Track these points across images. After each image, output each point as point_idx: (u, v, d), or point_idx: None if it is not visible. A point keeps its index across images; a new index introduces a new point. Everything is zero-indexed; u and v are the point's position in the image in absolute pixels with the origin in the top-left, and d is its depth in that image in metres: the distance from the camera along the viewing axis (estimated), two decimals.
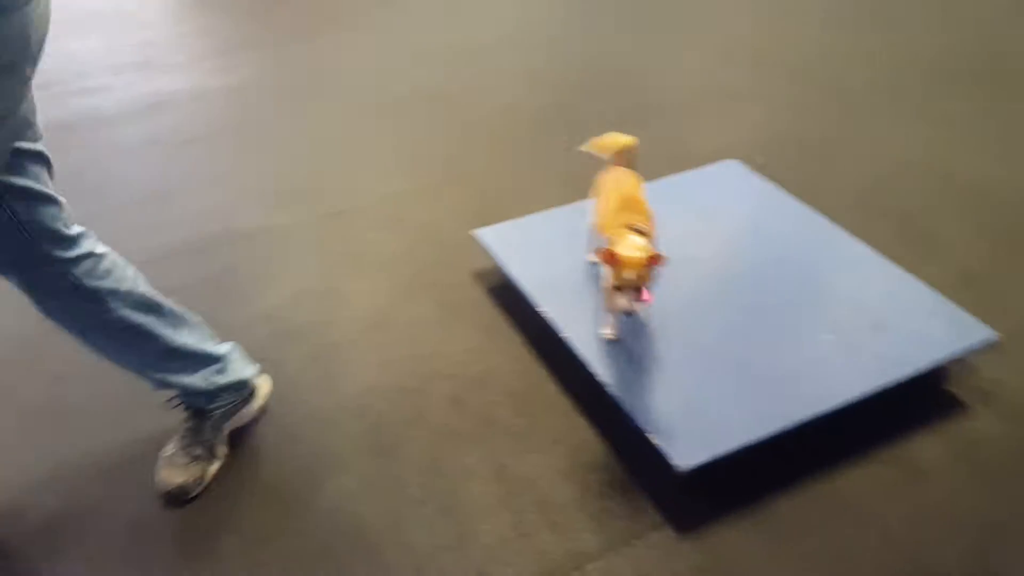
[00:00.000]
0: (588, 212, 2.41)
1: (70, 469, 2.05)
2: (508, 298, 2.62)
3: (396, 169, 3.35)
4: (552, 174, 3.34)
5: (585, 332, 2.26)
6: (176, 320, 1.90)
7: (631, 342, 2.22)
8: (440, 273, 2.76)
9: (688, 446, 1.92)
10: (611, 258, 1.91)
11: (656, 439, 1.94)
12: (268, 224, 3.00)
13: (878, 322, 2.32)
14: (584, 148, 2.34)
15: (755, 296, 2.44)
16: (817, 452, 2.11)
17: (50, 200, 1.60)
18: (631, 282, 1.89)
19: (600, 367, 2.15)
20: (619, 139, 2.37)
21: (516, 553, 1.84)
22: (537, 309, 2.37)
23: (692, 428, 1.97)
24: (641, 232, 1.99)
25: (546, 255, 2.59)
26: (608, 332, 2.16)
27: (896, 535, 1.92)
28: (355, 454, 2.08)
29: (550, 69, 4.23)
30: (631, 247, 1.93)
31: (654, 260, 1.90)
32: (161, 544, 1.87)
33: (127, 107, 3.75)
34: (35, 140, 1.55)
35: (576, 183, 3.28)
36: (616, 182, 2.27)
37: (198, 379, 1.94)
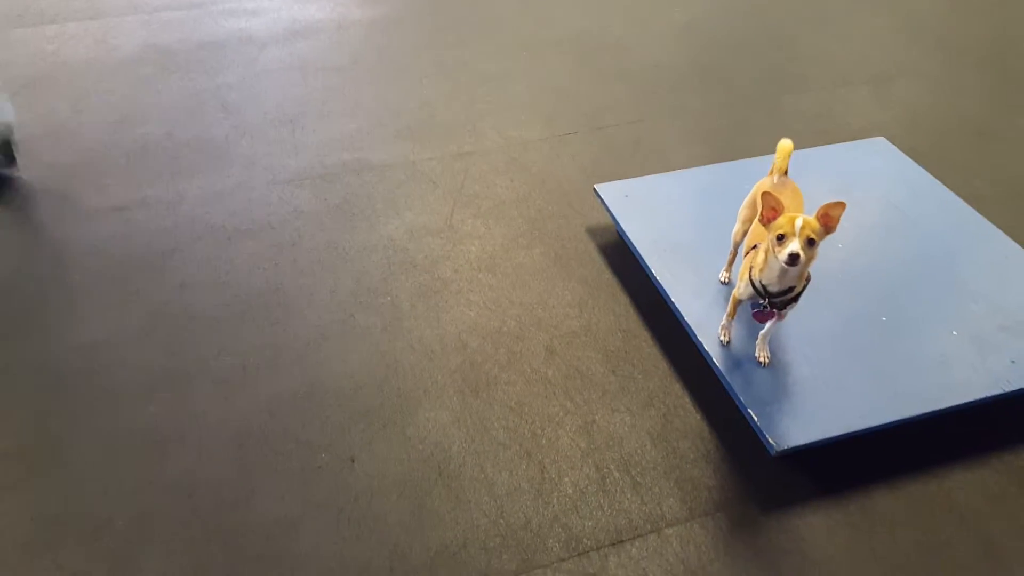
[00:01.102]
0: (737, 220, 2.18)
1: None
2: (619, 256, 2.59)
3: (529, 115, 3.34)
4: (687, 134, 3.22)
5: (693, 299, 2.20)
6: None
7: (746, 317, 2.14)
8: (556, 223, 2.75)
9: (787, 427, 1.85)
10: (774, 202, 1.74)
11: (755, 416, 1.88)
12: (395, 157, 3.09)
13: (1016, 325, 2.12)
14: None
15: (885, 282, 2.28)
16: (924, 450, 1.99)
17: None
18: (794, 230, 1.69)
19: (705, 337, 2.09)
20: (787, 146, 2.07)
21: (595, 507, 1.87)
22: (648, 272, 2.33)
23: (794, 410, 1.90)
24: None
25: (665, 217, 2.52)
26: (724, 336, 2.08)
27: (997, 543, 1.79)
28: (449, 389, 2.16)
29: (706, 25, 4.03)
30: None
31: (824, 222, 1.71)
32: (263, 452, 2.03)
33: (275, 31, 3.93)
34: None
35: (711, 144, 3.17)
36: (785, 197, 1.89)
37: None
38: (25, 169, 2.98)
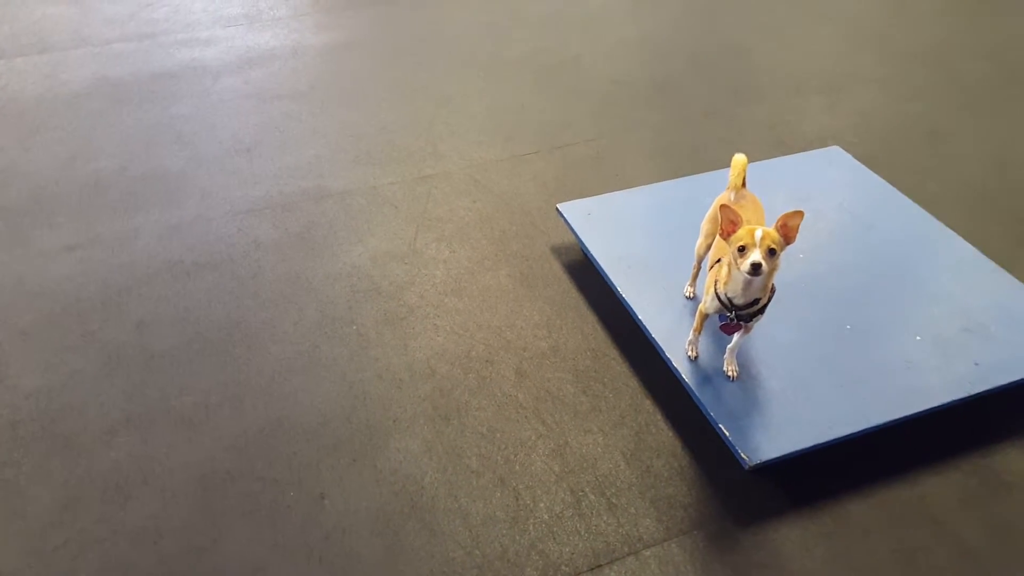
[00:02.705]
0: (700, 235, 2.18)
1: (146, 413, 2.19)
2: (584, 274, 2.59)
3: (489, 136, 3.34)
4: (648, 150, 3.25)
5: (660, 316, 2.21)
6: None
7: (712, 332, 2.15)
8: (520, 244, 2.75)
9: (758, 441, 1.86)
10: (733, 216, 1.75)
11: (726, 431, 1.89)
12: (356, 183, 3.06)
13: (975, 327, 2.17)
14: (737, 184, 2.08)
15: (847, 290, 2.32)
16: (894, 455, 2.01)
17: None
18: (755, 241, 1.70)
19: (673, 353, 2.10)
20: (741, 161, 2.09)
21: (572, 532, 1.85)
22: (614, 289, 2.33)
23: (765, 423, 1.91)
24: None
25: (627, 233, 2.53)
26: (691, 351, 2.09)
27: (972, 545, 1.82)
28: (419, 418, 2.13)
29: (660, 40, 4.09)
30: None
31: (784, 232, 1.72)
32: (227, 496, 1.97)
33: (229, 60, 3.88)
34: None
35: (671, 158, 3.21)
36: (743, 210, 1.95)
37: None
38: None
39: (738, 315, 1.89)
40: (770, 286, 1.87)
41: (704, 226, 2.18)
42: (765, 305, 1.89)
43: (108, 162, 3.16)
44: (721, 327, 1.97)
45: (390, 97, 3.62)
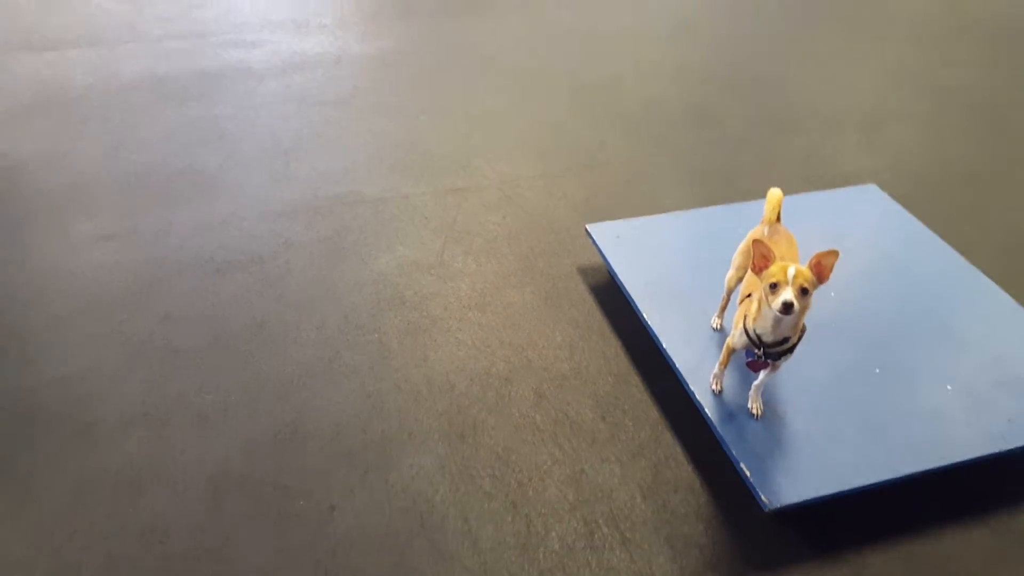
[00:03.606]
0: (731, 267, 2.15)
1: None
2: (610, 298, 2.55)
3: (523, 152, 3.34)
4: (681, 175, 3.21)
5: (685, 346, 2.17)
6: None
7: (738, 365, 2.10)
8: (547, 262, 2.73)
9: (780, 484, 1.80)
10: (766, 251, 1.71)
11: (747, 471, 1.83)
12: (388, 192, 3.07)
13: (1012, 380, 2.08)
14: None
15: (878, 333, 2.25)
16: (920, 508, 1.94)
17: None
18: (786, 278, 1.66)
19: (697, 386, 2.05)
20: (776, 196, 2.06)
21: (583, 565, 1.81)
22: (640, 315, 2.29)
23: (788, 465, 1.85)
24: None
25: (656, 259, 2.50)
26: (716, 385, 2.05)
27: None
28: (435, 433, 2.10)
29: (701, 65, 4.06)
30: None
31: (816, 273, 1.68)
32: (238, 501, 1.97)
33: (273, 63, 3.94)
34: None
35: (704, 185, 3.17)
36: (776, 245, 1.93)
37: None
38: (16, 194, 2.95)
39: (767, 353, 1.84)
40: (800, 325, 1.82)
41: (736, 258, 2.14)
42: (795, 344, 1.84)
43: (149, 156, 3.22)
44: (748, 363, 1.92)
45: (429, 109, 3.63)
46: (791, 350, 1.84)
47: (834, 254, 1.69)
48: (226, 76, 3.81)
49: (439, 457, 2.04)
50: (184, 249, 2.73)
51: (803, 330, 1.84)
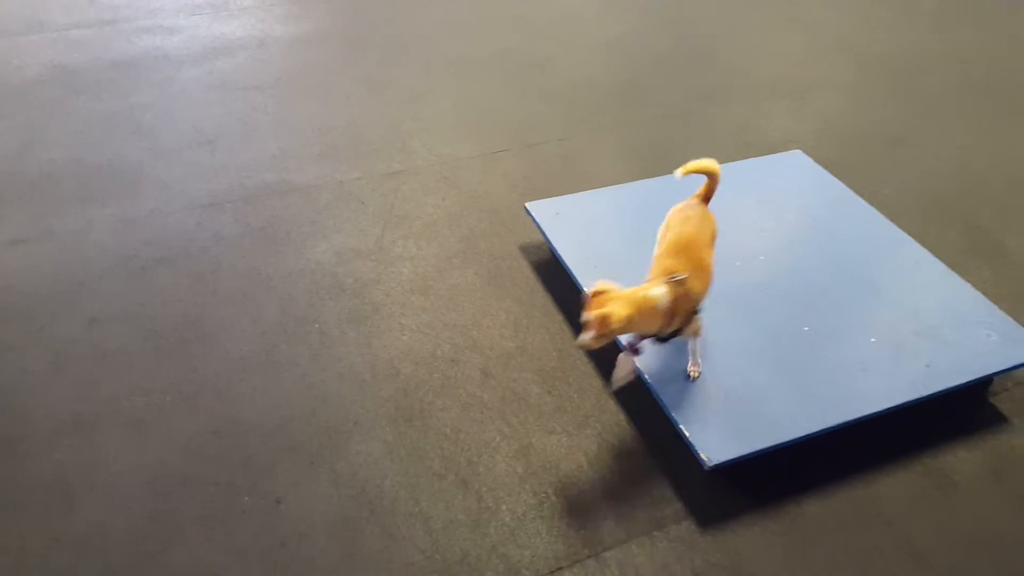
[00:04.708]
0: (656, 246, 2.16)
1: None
2: (552, 274, 2.57)
3: (458, 132, 3.31)
4: (618, 150, 3.24)
5: None
6: None
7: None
8: (488, 243, 2.72)
9: (719, 441, 1.87)
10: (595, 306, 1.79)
11: (687, 431, 1.89)
12: (321, 178, 3.00)
13: (928, 330, 2.20)
14: (681, 172, 2.12)
15: (806, 292, 2.34)
16: (850, 456, 2.04)
17: None
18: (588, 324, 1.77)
19: (639, 356, 2.09)
20: (712, 165, 2.12)
21: (534, 535, 1.84)
22: (581, 289, 2.32)
23: (725, 423, 1.92)
24: (679, 282, 1.85)
25: (595, 234, 2.52)
26: (633, 354, 2.04)
27: (921, 546, 1.85)
28: (381, 419, 2.09)
29: (634, 41, 4.08)
30: (614, 300, 1.79)
31: (598, 324, 1.74)
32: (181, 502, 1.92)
33: (193, 49, 3.79)
34: None
35: (640, 158, 3.21)
36: (683, 222, 2.06)
37: None
38: None
39: (657, 338, 1.94)
40: (677, 321, 1.88)
41: (660, 233, 2.16)
42: (681, 328, 1.91)
43: (62, 152, 3.06)
44: (625, 346, 1.99)
45: (358, 91, 3.56)
46: (677, 333, 1.92)
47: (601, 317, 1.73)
48: (142, 64, 3.64)
49: (387, 443, 2.03)
50: (106, 248, 2.62)
51: (693, 313, 1.91)
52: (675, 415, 1.93)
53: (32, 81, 3.48)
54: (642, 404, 2.13)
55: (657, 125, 3.42)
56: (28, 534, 1.79)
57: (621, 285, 1.87)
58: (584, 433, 2.08)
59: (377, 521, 1.84)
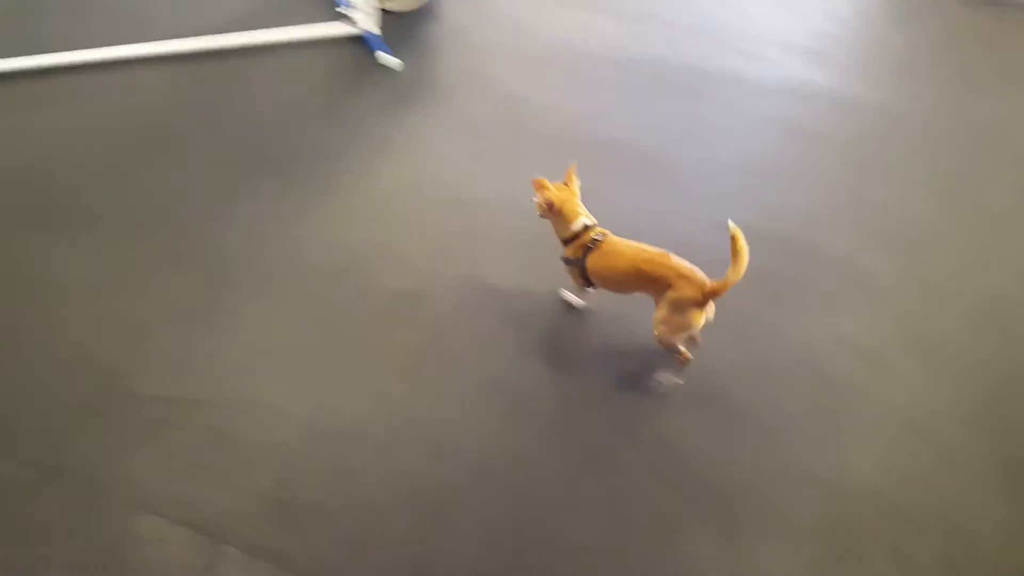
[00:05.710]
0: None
1: None
2: None
3: None
4: None
5: None
6: None
7: None
8: None
9: None
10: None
11: None
12: (842, 250, 2.74)
13: None
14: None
15: None
16: None
17: None
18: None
19: None
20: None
21: None
22: None
23: None
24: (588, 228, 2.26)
25: None
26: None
27: None
28: None
29: None
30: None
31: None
32: None
33: (767, 80, 3.76)
34: None
35: None
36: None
37: None
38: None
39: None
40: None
41: None
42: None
43: (617, 131, 3.32)
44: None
45: (922, 179, 3.14)
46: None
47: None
48: (718, 77, 3.76)
49: None
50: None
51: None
52: None
53: (636, 61, 3.86)
54: None
55: None
56: None
57: None
58: None
59: None
